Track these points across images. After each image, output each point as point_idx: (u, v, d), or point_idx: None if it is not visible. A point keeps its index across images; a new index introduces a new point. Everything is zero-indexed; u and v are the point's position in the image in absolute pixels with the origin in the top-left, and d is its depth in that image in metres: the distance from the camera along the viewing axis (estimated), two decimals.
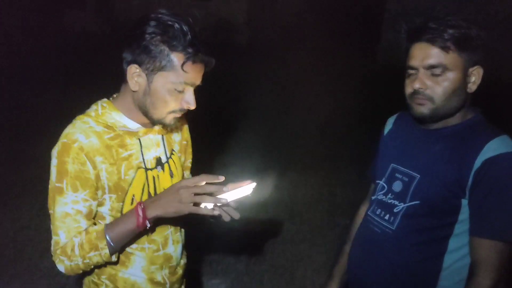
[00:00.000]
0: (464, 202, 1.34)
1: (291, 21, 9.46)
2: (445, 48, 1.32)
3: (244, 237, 3.42)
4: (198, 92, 1.39)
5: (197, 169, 1.67)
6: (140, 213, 1.29)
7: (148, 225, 1.32)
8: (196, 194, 1.26)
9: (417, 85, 1.36)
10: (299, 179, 4.49)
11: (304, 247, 3.56)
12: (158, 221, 1.39)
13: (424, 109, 1.38)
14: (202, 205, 1.28)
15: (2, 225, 3.50)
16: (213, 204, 1.27)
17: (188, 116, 1.56)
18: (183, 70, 1.29)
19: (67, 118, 1.40)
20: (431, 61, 1.34)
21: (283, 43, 8.84)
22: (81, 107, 1.46)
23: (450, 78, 1.34)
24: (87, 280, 1.52)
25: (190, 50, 1.27)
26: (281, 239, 3.63)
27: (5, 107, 5.36)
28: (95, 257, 1.33)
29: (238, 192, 1.31)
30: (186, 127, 1.65)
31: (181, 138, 1.61)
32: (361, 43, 8.37)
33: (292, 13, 9.48)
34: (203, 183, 1.28)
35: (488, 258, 1.30)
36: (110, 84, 1.49)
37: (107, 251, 1.32)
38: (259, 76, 7.12)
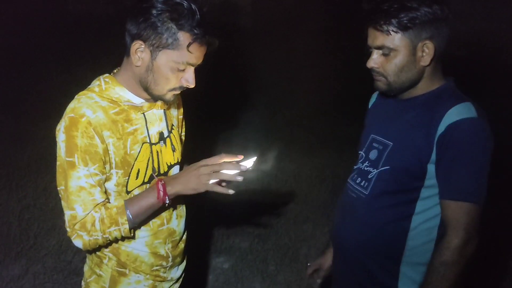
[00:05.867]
0: (430, 167, 1.43)
1: (296, 1, 9.35)
2: (386, 32, 1.42)
3: (248, 217, 3.44)
4: (203, 73, 1.39)
5: (201, 147, 1.67)
6: (161, 188, 1.33)
7: (168, 202, 1.35)
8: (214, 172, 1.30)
9: (370, 65, 1.49)
10: (303, 159, 4.48)
11: (308, 226, 3.58)
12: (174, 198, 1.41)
13: (380, 84, 1.51)
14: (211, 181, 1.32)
15: (8, 204, 3.52)
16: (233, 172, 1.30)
17: (189, 95, 1.56)
18: (188, 50, 1.28)
19: (70, 99, 1.39)
20: (378, 43, 1.45)
21: (288, 24, 8.75)
22: (84, 88, 1.44)
23: (397, 57, 1.44)
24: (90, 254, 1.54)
25: (197, 31, 1.26)
26: (285, 219, 3.64)
27: (8, 88, 5.35)
28: (115, 232, 1.35)
29: (245, 163, 1.34)
30: (180, 101, 1.66)
31: (178, 113, 1.63)
32: (366, 23, 8.28)
33: None
34: (222, 161, 1.31)
35: (456, 219, 1.38)
36: (113, 66, 1.47)
37: (127, 226, 1.35)
38: (264, 57, 7.05)
